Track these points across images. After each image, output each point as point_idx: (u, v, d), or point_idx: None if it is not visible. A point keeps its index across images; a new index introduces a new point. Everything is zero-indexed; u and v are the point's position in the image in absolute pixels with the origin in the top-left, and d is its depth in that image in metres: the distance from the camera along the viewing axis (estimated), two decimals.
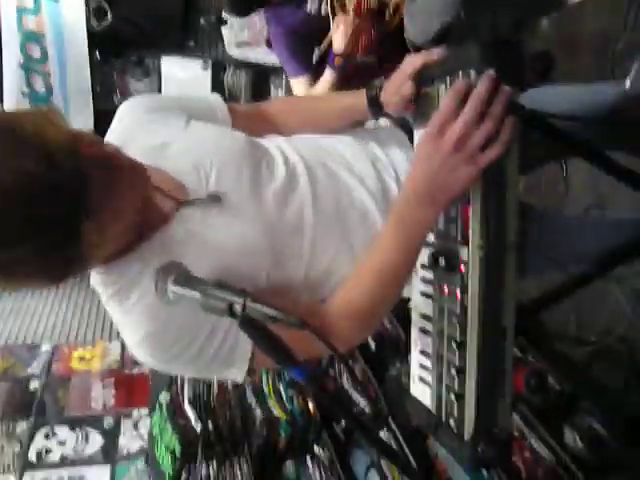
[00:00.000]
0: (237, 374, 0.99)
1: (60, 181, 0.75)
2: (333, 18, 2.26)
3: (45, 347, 3.43)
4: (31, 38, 3.97)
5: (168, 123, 1.10)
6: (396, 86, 1.06)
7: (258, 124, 1.23)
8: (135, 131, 1.09)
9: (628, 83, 1.32)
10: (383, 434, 1.86)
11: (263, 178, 1.07)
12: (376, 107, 1.14)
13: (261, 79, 4.42)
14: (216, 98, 1.22)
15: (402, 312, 1.23)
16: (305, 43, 2.39)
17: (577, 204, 2.18)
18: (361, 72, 2.25)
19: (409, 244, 0.95)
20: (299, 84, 2.41)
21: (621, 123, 1.19)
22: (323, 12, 2.36)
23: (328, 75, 2.21)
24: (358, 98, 1.17)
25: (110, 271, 0.98)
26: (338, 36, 2.15)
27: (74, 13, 3.97)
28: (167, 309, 0.87)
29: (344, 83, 2.24)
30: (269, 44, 3.29)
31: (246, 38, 4.25)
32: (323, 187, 1.11)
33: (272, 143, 1.17)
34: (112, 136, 1.11)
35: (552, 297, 1.29)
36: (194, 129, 1.11)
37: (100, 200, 0.80)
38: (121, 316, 0.98)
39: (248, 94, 4.37)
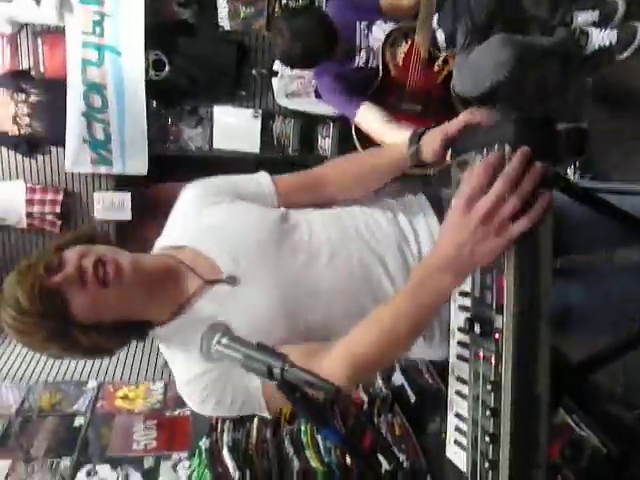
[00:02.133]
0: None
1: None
2: (383, 68, 2.34)
3: (91, 384, 3.52)
4: (93, 88, 4.19)
5: (219, 208, 1.27)
6: (437, 140, 1.17)
7: (302, 195, 1.35)
8: (190, 215, 1.29)
9: None
10: None
11: (284, 257, 1.19)
12: (416, 159, 1.25)
13: (309, 128, 4.54)
14: (265, 178, 1.35)
15: (444, 368, 1.25)
16: (354, 88, 2.45)
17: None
18: (406, 117, 2.32)
19: (423, 308, 1.00)
20: (366, 111, 2.41)
21: None
22: (370, 64, 2.45)
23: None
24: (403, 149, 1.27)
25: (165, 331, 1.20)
26: None
27: (134, 65, 4.18)
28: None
29: None
30: (317, 94, 3.40)
31: (295, 88, 4.39)
32: (342, 276, 1.19)
33: (303, 217, 1.28)
34: (175, 214, 1.33)
35: (601, 359, 1.27)
36: (236, 211, 1.27)
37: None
38: (172, 364, 1.20)
39: (296, 142, 4.49)
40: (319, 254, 1.19)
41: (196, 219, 1.26)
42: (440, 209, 1.28)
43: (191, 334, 1.03)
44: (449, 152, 1.15)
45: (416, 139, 1.24)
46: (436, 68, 2.32)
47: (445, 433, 1.09)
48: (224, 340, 0.78)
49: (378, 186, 1.36)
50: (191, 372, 1.11)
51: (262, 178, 1.35)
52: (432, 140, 1.19)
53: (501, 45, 1.85)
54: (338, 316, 1.15)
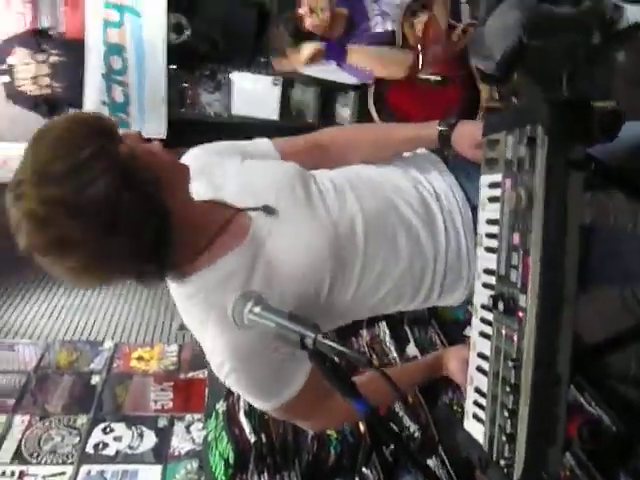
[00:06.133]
0: (269, 405, 1.14)
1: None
2: (402, 38, 2.34)
3: (107, 344, 3.58)
4: (114, 50, 4.17)
5: (225, 165, 1.24)
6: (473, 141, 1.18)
7: (307, 159, 1.31)
8: (198, 174, 1.17)
9: None
10: (431, 461, 1.89)
11: (314, 196, 1.19)
12: (445, 143, 1.27)
13: (328, 97, 4.50)
14: (265, 141, 1.34)
15: (458, 341, 1.29)
16: None
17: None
18: (424, 87, 2.32)
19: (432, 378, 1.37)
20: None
21: None
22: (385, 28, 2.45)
23: None
24: (428, 130, 1.30)
25: (192, 280, 1.09)
26: None
27: (155, 28, 4.16)
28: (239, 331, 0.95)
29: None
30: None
31: None
32: (369, 202, 1.22)
33: (318, 172, 1.29)
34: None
35: (616, 343, 1.28)
36: (248, 165, 1.25)
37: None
38: (198, 324, 1.11)
39: (315, 110, 4.46)
40: (345, 196, 1.21)
41: (205, 179, 1.21)
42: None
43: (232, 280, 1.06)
44: None
45: (449, 122, 1.27)
46: (455, 38, 2.31)
47: (459, 405, 1.11)
48: (257, 309, 0.80)
49: (386, 158, 1.37)
50: (226, 343, 1.06)
51: (262, 141, 1.34)
52: (468, 137, 1.22)
53: (509, 8, 1.82)
54: (374, 256, 1.18)
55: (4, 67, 4.17)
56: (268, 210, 1.14)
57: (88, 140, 0.94)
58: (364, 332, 2.39)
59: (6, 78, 4.21)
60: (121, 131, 1.03)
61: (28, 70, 4.24)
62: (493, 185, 1.05)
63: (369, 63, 2.45)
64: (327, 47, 2.58)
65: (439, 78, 2.33)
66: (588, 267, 1.13)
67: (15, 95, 4.27)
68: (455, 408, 1.92)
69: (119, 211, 0.93)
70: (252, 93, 4.48)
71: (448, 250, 1.24)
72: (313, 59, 2.52)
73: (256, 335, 0.99)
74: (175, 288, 1.13)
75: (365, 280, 1.17)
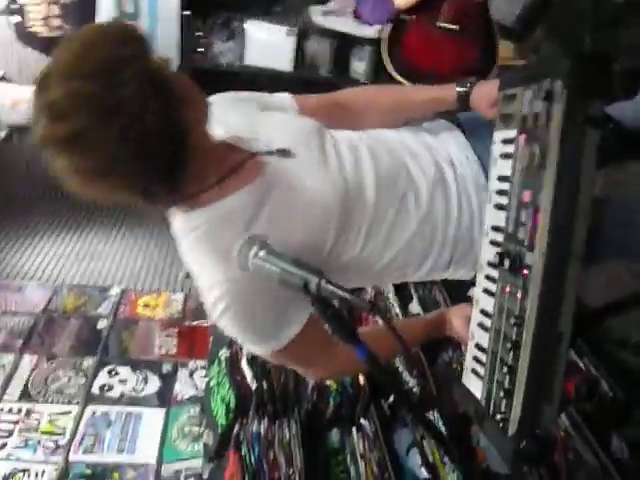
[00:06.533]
0: (268, 348, 1.13)
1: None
2: None
3: (114, 290, 3.62)
4: None
5: (242, 113, 1.25)
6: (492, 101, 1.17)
7: (326, 118, 1.31)
8: (215, 118, 1.13)
9: None
10: (429, 415, 1.92)
11: (328, 149, 1.20)
12: (464, 104, 1.26)
13: (343, 50, 4.41)
14: (285, 95, 1.36)
15: (462, 301, 1.30)
16: None
17: None
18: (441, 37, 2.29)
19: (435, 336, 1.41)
20: None
21: None
22: None
23: None
24: (447, 91, 1.30)
25: (197, 214, 1.09)
26: None
27: None
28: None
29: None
30: (356, 14, 3.31)
31: (333, 7, 4.24)
32: (382, 159, 1.22)
33: (334, 131, 1.28)
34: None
35: (619, 308, 1.28)
36: (266, 116, 1.26)
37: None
38: (200, 256, 1.10)
39: (329, 64, 4.38)
40: (359, 152, 1.22)
41: (222, 127, 1.19)
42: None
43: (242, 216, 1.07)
44: None
45: (468, 82, 1.27)
46: None
47: (459, 362, 1.12)
48: (261, 253, 0.80)
49: (405, 120, 1.38)
50: (223, 274, 1.05)
51: (283, 95, 1.36)
52: (487, 93, 1.21)
53: None
54: (383, 213, 1.18)
55: (15, 6, 4.10)
56: (283, 153, 1.15)
57: (121, 45, 0.94)
58: (369, 287, 2.40)
59: (17, 18, 4.15)
60: None
61: (39, 11, 4.16)
62: (507, 141, 1.03)
63: None
64: None
65: (457, 27, 2.29)
66: (599, 238, 1.12)
67: (26, 36, 4.22)
68: (455, 366, 1.94)
69: (142, 118, 0.91)
70: (266, 43, 4.39)
71: (461, 216, 1.24)
72: None
73: (256, 274, 0.96)
74: (178, 221, 1.13)
75: (373, 238, 1.17)
